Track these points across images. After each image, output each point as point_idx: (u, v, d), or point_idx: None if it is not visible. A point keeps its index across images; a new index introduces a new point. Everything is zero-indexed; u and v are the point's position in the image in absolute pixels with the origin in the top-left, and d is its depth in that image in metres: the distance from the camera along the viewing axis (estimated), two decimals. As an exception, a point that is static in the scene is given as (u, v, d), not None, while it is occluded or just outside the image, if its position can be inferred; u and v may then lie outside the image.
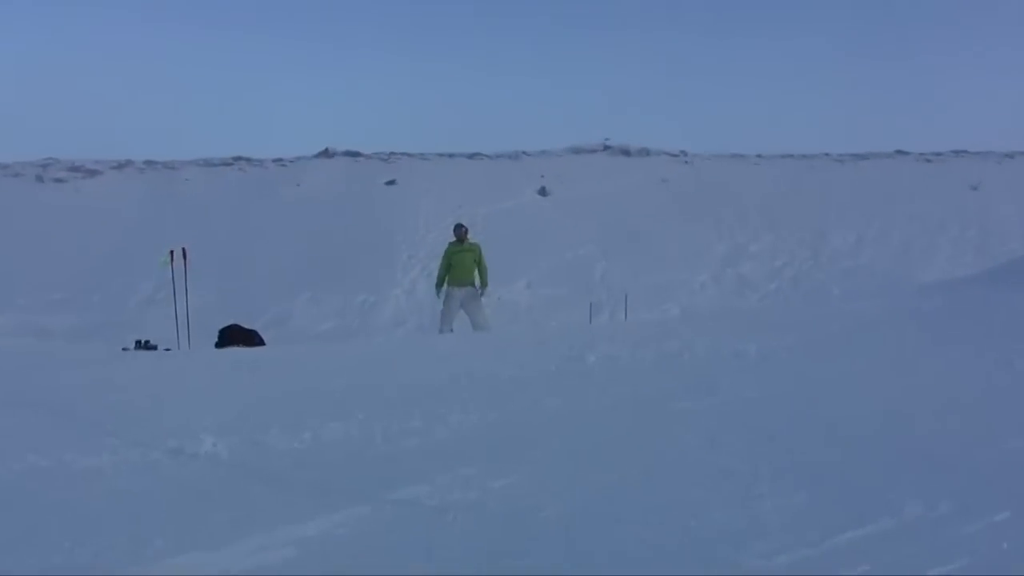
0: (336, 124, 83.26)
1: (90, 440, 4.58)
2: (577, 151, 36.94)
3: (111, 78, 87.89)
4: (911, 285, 16.72)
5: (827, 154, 36.23)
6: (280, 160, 36.46)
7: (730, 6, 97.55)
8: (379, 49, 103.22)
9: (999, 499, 3.24)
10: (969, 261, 23.95)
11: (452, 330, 12.76)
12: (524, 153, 36.93)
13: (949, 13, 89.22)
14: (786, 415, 4.66)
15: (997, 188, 30.84)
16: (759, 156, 36.28)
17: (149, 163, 35.58)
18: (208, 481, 3.92)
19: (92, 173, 33.84)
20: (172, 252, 16.75)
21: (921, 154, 35.71)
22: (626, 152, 36.73)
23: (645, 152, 36.69)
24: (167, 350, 13.71)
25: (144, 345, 14.27)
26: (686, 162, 35.60)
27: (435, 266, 14.60)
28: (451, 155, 36.82)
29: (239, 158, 36.53)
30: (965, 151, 35.95)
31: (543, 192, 32.24)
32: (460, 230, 13.38)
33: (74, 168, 33.88)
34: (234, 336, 13.40)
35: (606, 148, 37.23)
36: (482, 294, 13.01)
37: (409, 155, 36.54)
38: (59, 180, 32.92)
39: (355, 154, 36.81)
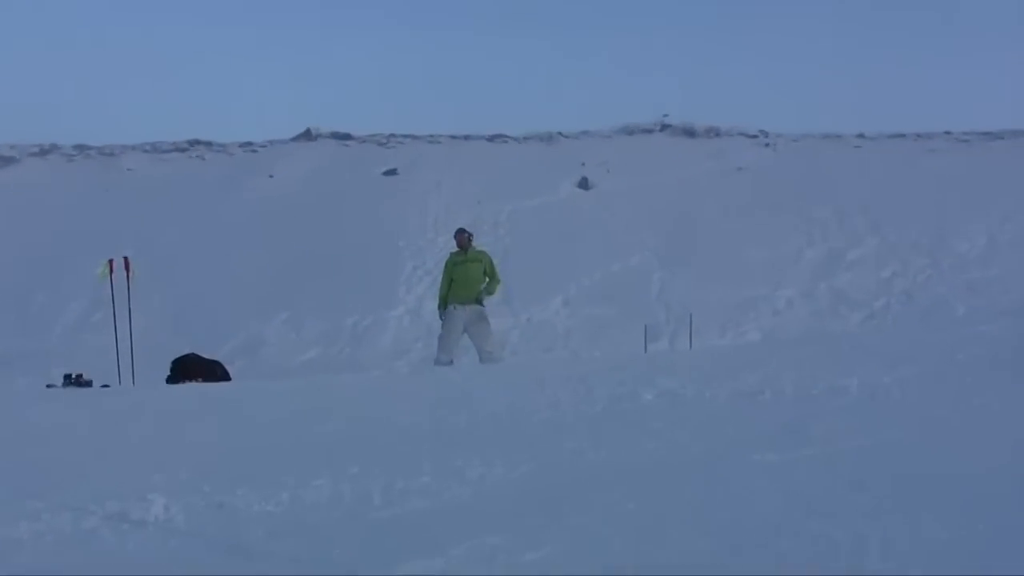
0: (320, 98, 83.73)
1: (6, 505, 4.60)
2: (628, 131, 37.03)
3: (29, 42, 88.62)
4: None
5: (948, 132, 36.08)
6: (248, 144, 36.84)
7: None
8: (373, 6, 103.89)
9: None
10: None
11: (451, 361, 12.80)
12: (560, 134, 37.08)
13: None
14: (902, 471, 4.62)
15: None
16: (861, 136, 36.21)
17: (80, 148, 36.04)
18: (158, 555, 3.93)
19: (6, 161, 34.27)
20: (111, 261, 16.89)
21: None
22: (690, 132, 36.78)
23: (714, 132, 36.72)
24: (105, 387, 13.81)
25: (75, 381, 14.40)
26: (767, 144, 35.59)
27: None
28: (466, 137, 37.06)
29: (196, 142, 36.93)
30: None
31: (584, 184, 32.31)
32: (462, 236, 13.62)
33: (-19, 154, 34.43)
34: (191, 369, 13.50)
35: (664, 127, 37.30)
36: (479, 300, 13.08)
37: (414, 137, 36.81)
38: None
39: (344, 136, 37.14)
